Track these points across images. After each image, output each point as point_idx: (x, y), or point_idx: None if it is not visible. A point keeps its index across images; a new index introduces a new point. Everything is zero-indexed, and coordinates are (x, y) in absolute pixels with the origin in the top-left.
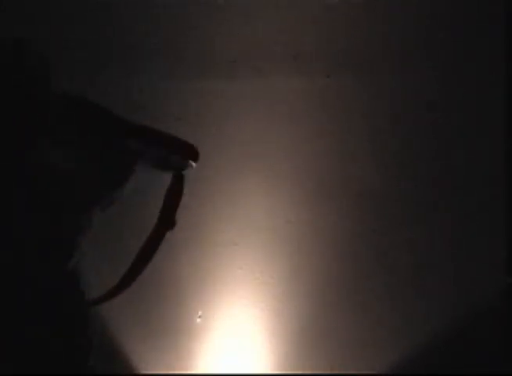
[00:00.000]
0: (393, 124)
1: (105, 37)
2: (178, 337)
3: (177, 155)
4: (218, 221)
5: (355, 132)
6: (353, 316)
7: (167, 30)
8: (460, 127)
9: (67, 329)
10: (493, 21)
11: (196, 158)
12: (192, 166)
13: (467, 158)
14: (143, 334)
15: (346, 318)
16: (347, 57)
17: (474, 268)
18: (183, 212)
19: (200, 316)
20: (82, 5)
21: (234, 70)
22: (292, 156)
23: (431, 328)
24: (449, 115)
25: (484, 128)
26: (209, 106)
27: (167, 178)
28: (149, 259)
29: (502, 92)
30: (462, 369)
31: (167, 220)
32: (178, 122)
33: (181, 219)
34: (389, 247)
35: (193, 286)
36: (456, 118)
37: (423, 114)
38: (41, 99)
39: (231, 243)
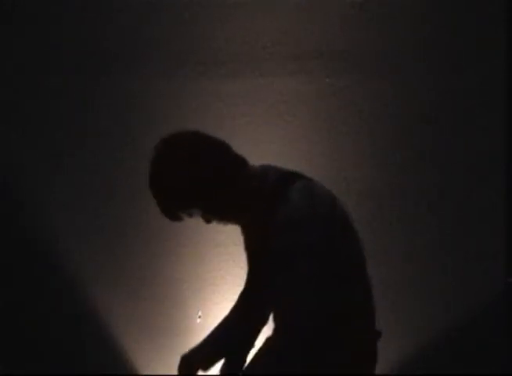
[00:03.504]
0: (393, 124)
1: (105, 37)
2: (178, 337)
3: None
4: None
5: (355, 132)
6: None
7: (167, 30)
8: (460, 127)
9: None
10: (493, 21)
11: None
12: None
13: (467, 158)
14: (143, 334)
15: None
16: (346, 58)
17: (474, 268)
18: None
19: (200, 316)
20: (82, 4)
21: (234, 70)
22: (292, 156)
23: (431, 328)
24: (449, 115)
25: (484, 127)
26: (209, 106)
27: None
28: None
29: (503, 91)
30: (462, 369)
31: None
32: (178, 122)
33: None
34: (389, 246)
35: (193, 286)
36: (456, 118)
37: (422, 114)
38: None
39: (231, 243)
